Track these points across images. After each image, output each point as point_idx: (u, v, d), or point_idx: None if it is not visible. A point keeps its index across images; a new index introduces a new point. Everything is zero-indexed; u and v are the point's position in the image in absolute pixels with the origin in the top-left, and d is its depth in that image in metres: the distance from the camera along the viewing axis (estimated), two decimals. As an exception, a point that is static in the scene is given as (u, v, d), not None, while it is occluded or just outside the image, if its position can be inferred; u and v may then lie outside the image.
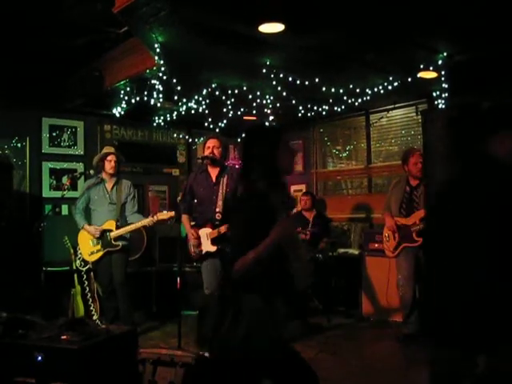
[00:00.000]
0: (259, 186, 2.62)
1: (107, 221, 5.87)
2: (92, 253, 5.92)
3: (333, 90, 6.61)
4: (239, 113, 7.48)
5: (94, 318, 6.20)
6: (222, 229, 5.13)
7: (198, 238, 5.30)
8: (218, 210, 5.23)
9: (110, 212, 5.90)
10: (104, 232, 5.83)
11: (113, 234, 5.79)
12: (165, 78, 5.89)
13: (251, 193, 2.65)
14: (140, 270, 7.63)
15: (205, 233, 5.26)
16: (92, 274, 6.52)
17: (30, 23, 5.55)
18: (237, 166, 6.18)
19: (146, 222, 5.73)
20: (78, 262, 6.28)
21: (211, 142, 5.30)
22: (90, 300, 6.33)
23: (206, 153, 5.28)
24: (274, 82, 6.24)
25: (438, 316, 2.57)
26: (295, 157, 2.73)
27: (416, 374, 4.64)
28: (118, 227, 5.83)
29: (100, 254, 5.87)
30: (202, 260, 5.40)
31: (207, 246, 5.25)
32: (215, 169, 5.35)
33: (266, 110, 7.32)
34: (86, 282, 6.32)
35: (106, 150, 6.05)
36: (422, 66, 5.95)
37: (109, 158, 5.94)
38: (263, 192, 2.59)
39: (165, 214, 5.71)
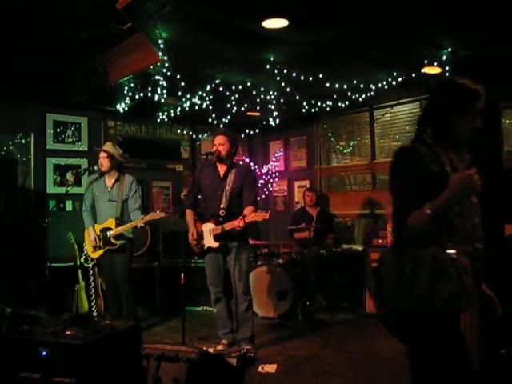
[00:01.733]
0: (427, 139, 2.46)
1: (108, 219, 5.86)
2: (95, 250, 5.92)
3: (337, 85, 6.60)
4: (243, 108, 7.48)
5: (98, 313, 6.22)
6: (226, 226, 5.12)
7: (200, 234, 5.32)
8: (222, 206, 5.21)
9: (111, 210, 5.87)
10: (105, 230, 5.82)
11: (112, 233, 5.77)
12: (169, 73, 5.90)
13: (417, 147, 2.47)
14: (144, 265, 7.65)
15: (208, 228, 5.26)
16: (96, 269, 6.55)
17: (33, 18, 5.54)
18: (241, 163, 6.19)
19: (136, 222, 5.71)
20: (83, 257, 6.30)
21: (217, 140, 5.28)
22: (94, 296, 6.36)
23: (213, 150, 5.28)
24: (278, 78, 6.23)
25: None
26: (475, 127, 2.42)
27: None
28: (117, 225, 5.79)
29: (101, 251, 5.87)
30: (203, 254, 5.41)
31: (209, 242, 5.26)
32: (223, 165, 5.34)
33: (269, 106, 7.31)
34: (92, 278, 6.34)
35: (103, 147, 6.06)
36: (426, 62, 5.94)
37: (99, 154, 5.94)
38: (429, 144, 2.44)
39: (154, 215, 5.68)
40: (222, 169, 5.33)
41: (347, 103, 7.37)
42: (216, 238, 5.21)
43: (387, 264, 2.49)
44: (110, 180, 5.96)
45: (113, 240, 5.76)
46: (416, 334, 2.37)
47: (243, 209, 5.20)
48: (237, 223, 5.01)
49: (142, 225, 5.71)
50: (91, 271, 6.33)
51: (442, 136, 2.47)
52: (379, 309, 2.54)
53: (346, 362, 5.06)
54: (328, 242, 7.52)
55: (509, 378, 2.61)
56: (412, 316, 2.34)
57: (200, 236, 5.33)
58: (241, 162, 6.28)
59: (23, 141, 7.64)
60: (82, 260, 6.31)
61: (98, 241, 5.81)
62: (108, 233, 5.78)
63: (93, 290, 6.41)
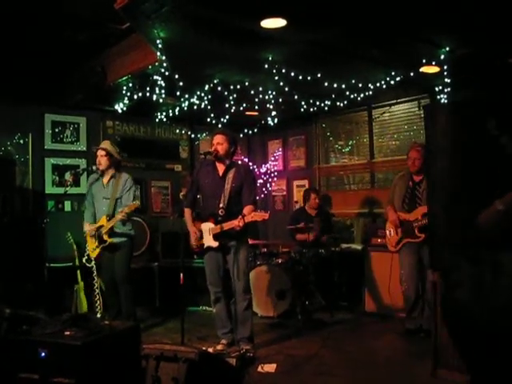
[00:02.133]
0: (492, 131, 2.33)
1: (102, 217, 5.85)
2: (93, 249, 5.90)
3: (335, 85, 6.60)
4: (241, 108, 7.47)
5: (98, 313, 6.21)
6: (225, 225, 5.11)
7: (199, 232, 5.32)
8: (221, 205, 5.20)
9: (106, 207, 5.84)
10: (98, 229, 5.80)
11: (103, 231, 5.75)
12: (167, 73, 5.89)
13: (482, 141, 2.35)
14: (143, 265, 7.64)
15: (207, 227, 5.25)
16: (96, 269, 6.53)
17: (32, 18, 5.53)
18: (240, 162, 6.19)
19: (118, 217, 5.66)
20: (85, 258, 6.28)
21: (215, 139, 5.27)
22: (97, 296, 6.34)
23: (211, 149, 5.27)
24: (277, 77, 6.23)
25: None
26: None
27: (417, 368, 4.65)
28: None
29: (97, 250, 5.83)
30: (202, 253, 5.40)
31: (209, 241, 5.25)
32: (221, 164, 5.33)
33: (268, 106, 7.31)
34: (96, 279, 6.34)
35: (101, 145, 6.03)
36: (424, 61, 5.94)
37: (97, 153, 5.91)
38: (494, 136, 2.31)
39: (131, 206, 5.56)
40: (221, 168, 5.32)
41: (346, 102, 7.36)
42: (215, 237, 5.20)
43: (458, 269, 2.35)
44: (106, 178, 5.93)
45: (104, 237, 5.72)
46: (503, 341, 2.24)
47: (242, 208, 5.19)
48: (236, 223, 5.00)
49: (123, 218, 5.60)
50: (94, 272, 6.32)
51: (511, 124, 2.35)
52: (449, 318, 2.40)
53: (344, 361, 5.05)
54: (323, 239, 7.50)
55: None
56: (497, 321, 2.22)
57: (200, 235, 5.34)
58: (239, 162, 6.26)
59: (21, 141, 7.63)
60: (84, 260, 6.29)
61: (95, 234, 5.79)
62: (101, 231, 5.75)
63: (96, 291, 6.40)
